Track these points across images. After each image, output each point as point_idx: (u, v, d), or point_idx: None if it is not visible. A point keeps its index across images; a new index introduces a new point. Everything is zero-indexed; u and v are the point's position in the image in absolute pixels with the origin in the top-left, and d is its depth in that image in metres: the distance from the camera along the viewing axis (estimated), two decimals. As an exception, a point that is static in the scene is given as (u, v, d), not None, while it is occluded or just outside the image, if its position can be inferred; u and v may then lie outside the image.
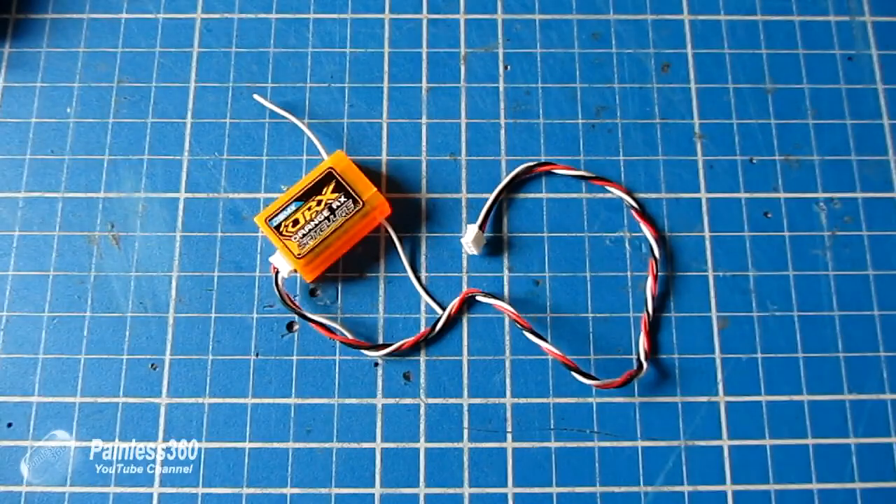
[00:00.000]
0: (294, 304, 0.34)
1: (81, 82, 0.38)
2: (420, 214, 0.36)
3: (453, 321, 0.34)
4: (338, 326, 0.34)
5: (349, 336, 0.34)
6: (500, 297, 0.34)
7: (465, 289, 0.35)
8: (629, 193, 0.36)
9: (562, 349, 0.32)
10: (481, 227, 0.34)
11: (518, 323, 0.33)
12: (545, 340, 0.32)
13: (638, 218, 0.35)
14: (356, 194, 0.34)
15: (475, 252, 0.34)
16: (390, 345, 0.33)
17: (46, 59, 0.38)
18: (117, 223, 0.36)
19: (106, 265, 0.35)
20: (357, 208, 0.33)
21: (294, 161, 0.37)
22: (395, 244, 0.35)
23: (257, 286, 0.35)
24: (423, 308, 0.35)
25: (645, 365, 0.33)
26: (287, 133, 0.37)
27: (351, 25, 0.39)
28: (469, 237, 0.34)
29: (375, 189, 0.34)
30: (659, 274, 0.35)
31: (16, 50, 0.38)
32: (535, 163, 0.36)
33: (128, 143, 0.37)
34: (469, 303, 0.35)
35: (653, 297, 0.34)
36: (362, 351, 0.34)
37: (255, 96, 0.37)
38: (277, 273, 0.33)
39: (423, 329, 0.34)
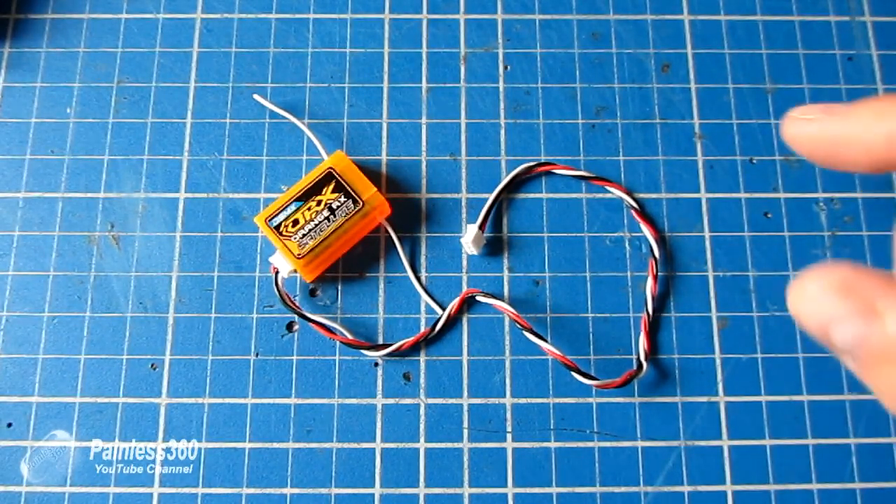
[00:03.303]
0: (294, 305, 0.34)
1: (81, 82, 0.38)
2: (420, 214, 0.36)
3: (453, 321, 0.34)
4: (338, 326, 0.34)
5: (349, 336, 0.34)
6: (499, 298, 0.34)
7: (465, 289, 0.35)
8: (629, 193, 0.36)
9: (562, 349, 0.32)
10: (481, 227, 0.34)
11: (518, 323, 0.33)
12: (545, 340, 0.32)
13: (638, 218, 0.35)
14: (356, 194, 0.34)
15: (475, 252, 0.34)
16: (390, 345, 0.33)
17: (46, 59, 0.38)
18: (117, 223, 0.36)
19: (106, 265, 0.35)
20: (357, 208, 0.33)
21: (294, 161, 0.37)
22: (395, 244, 0.35)
23: (257, 286, 0.35)
24: (423, 308, 0.35)
25: (645, 365, 0.33)
26: (287, 133, 0.37)
27: (351, 25, 0.39)
28: (469, 237, 0.34)
29: (375, 189, 0.34)
30: (659, 274, 0.35)
31: (16, 50, 0.38)
32: (535, 163, 0.36)
33: (128, 143, 0.37)
34: (469, 303, 0.35)
35: (653, 297, 0.34)
36: (362, 351, 0.34)
37: (256, 96, 0.37)
38: (277, 273, 0.33)
39: (423, 329, 0.34)
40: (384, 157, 0.37)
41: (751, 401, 0.34)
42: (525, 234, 0.36)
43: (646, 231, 0.35)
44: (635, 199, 0.36)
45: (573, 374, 0.32)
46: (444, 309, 0.34)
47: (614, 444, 0.33)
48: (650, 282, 0.34)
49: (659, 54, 0.39)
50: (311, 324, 0.34)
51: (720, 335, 0.35)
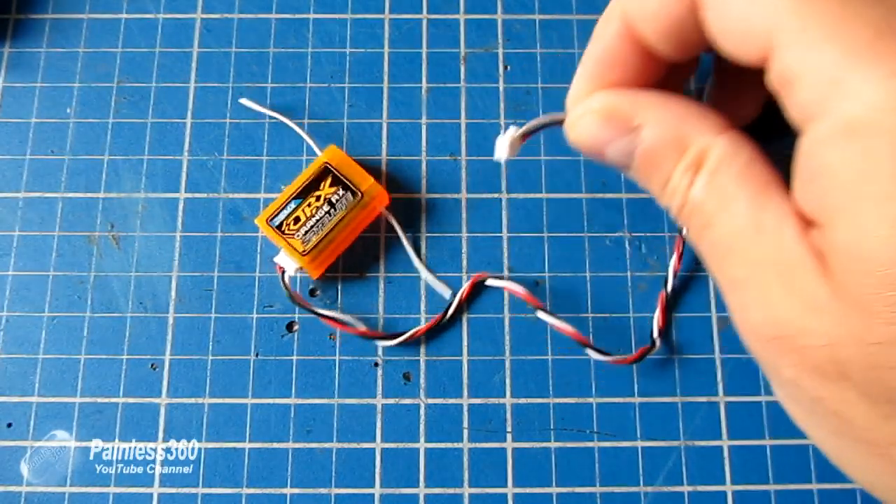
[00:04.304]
0: (304, 302, 0.34)
1: (81, 82, 0.38)
2: (420, 214, 0.36)
3: (453, 320, 0.34)
4: (350, 319, 0.34)
5: (361, 328, 0.34)
6: (508, 280, 0.34)
7: (464, 290, 0.35)
8: None
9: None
10: (524, 136, 0.28)
11: (530, 303, 0.33)
12: (558, 318, 0.32)
13: None
14: (354, 186, 0.34)
15: (503, 156, 0.28)
16: (403, 333, 0.33)
17: (46, 59, 0.38)
18: (117, 223, 0.36)
19: (106, 265, 0.35)
20: (356, 200, 0.34)
21: (294, 161, 0.37)
22: (395, 230, 0.35)
23: (257, 286, 0.35)
24: (423, 308, 0.35)
25: (658, 341, 0.33)
26: (287, 133, 0.37)
27: (351, 25, 0.39)
28: (506, 138, 0.28)
29: (373, 179, 0.34)
30: (684, 253, 0.35)
31: (16, 50, 0.38)
32: None
33: (128, 143, 0.37)
34: (469, 301, 0.35)
35: (675, 274, 0.34)
36: (376, 342, 0.34)
37: (242, 100, 0.37)
38: (284, 272, 0.33)
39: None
40: (384, 157, 0.37)
41: (751, 401, 0.34)
42: (525, 234, 0.36)
43: None
44: None
45: (587, 350, 0.32)
46: (452, 290, 0.34)
47: (614, 444, 0.33)
48: (674, 259, 0.35)
49: (659, 54, 0.38)
50: (322, 319, 0.34)
51: (720, 335, 0.35)
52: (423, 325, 0.34)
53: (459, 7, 0.39)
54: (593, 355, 0.32)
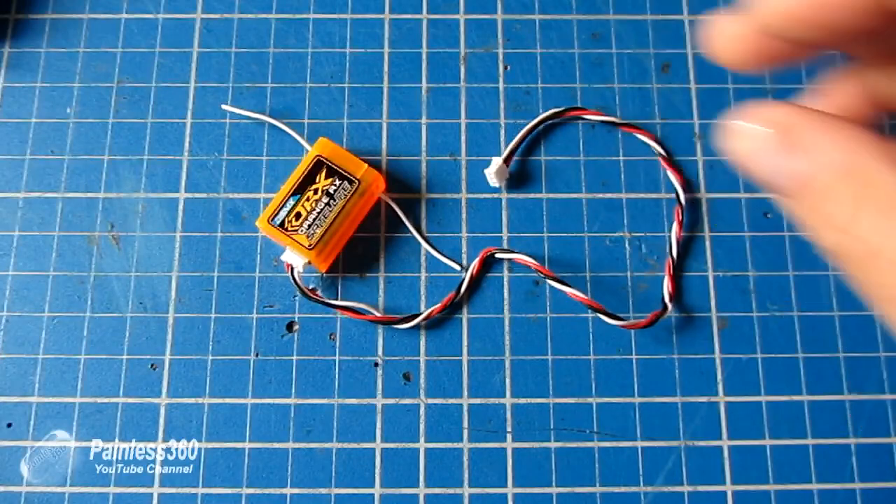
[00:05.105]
0: (317, 296, 0.34)
1: (81, 82, 0.38)
2: (420, 214, 0.36)
3: (452, 317, 0.34)
4: (365, 307, 0.34)
5: (376, 314, 0.34)
6: (517, 252, 0.35)
7: (464, 289, 0.35)
8: (658, 141, 0.37)
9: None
10: (506, 161, 0.34)
11: (541, 272, 0.33)
12: (568, 286, 0.33)
13: (665, 165, 0.36)
14: (349, 175, 0.34)
15: (497, 185, 0.34)
16: (418, 315, 0.34)
17: (46, 59, 0.38)
18: (117, 223, 0.36)
19: (106, 265, 0.35)
20: (354, 188, 0.34)
21: (293, 161, 0.37)
22: (395, 218, 0.35)
23: (257, 286, 0.35)
24: (423, 307, 0.35)
25: (670, 306, 0.34)
26: (286, 133, 0.37)
27: (351, 25, 0.39)
28: (492, 168, 0.34)
29: (367, 165, 0.34)
30: (683, 221, 0.35)
31: (16, 50, 0.38)
32: (565, 108, 0.37)
33: (128, 143, 0.37)
34: (470, 293, 0.35)
35: (678, 242, 0.35)
36: (393, 326, 0.34)
37: (224, 106, 0.37)
38: (293, 269, 0.33)
39: (423, 323, 0.34)
40: (384, 157, 0.37)
41: (751, 401, 0.34)
42: (525, 234, 0.36)
43: (673, 178, 0.36)
44: (664, 148, 0.37)
45: (600, 315, 0.33)
46: (462, 267, 0.35)
47: (614, 444, 0.33)
48: (675, 227, 0.35)
49: (659, 54, 0.39)
50: (338, 310, 0.34)
51: (720, 335, 0.35)
52: (437, 305, 0.34)
53: (459, 7, 0.39)
54: (607, 320, 0.33)
